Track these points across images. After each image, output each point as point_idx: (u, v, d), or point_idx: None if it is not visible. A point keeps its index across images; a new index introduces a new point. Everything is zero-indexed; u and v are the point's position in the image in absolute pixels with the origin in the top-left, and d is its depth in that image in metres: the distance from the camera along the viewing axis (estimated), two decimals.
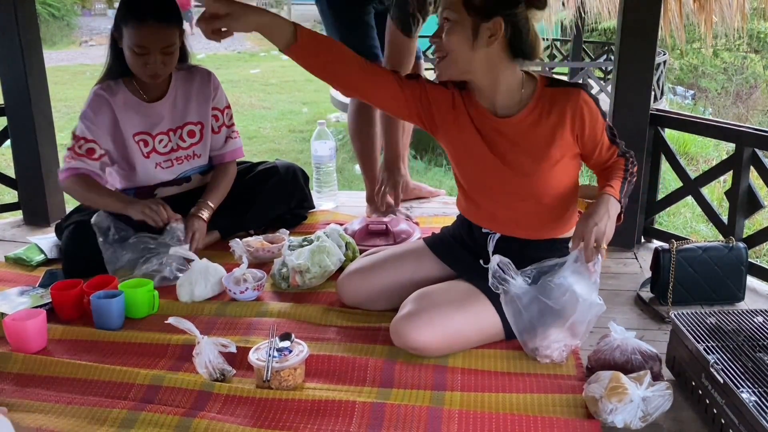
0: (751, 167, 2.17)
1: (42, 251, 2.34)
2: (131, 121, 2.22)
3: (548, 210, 1.76)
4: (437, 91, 1.74)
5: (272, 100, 9.66)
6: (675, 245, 1.94)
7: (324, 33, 2.55)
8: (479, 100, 1.72)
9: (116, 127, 2.20)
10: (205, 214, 2.25)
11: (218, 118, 2.35)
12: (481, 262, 1.78)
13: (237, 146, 2.42)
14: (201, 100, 2.30)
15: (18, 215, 2.83)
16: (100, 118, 2.18)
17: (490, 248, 1.76)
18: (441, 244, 1.91)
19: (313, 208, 2.74)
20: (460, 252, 1.86)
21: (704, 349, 1.44)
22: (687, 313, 1.59)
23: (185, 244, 2.11)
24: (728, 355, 1.43)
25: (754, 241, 2.17)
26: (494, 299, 1.67)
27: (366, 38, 2.55)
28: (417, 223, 2.53)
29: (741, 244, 1.98)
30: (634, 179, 1.75)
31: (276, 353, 1.55)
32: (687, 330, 1.52)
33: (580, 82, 1.79)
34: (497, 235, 1.78)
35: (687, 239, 2.03)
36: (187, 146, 2.30)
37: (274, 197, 2.50)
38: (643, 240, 2.46)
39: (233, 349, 1.59)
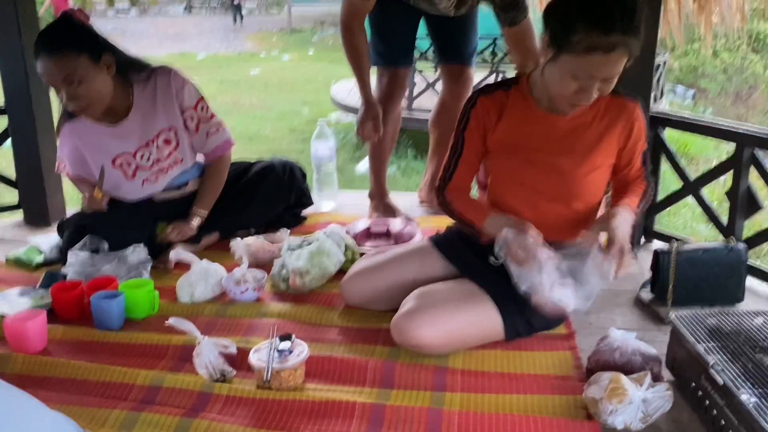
0: (751, 168, 2.17)
1: (42, 252, 2.34)
2: (105, 149, 2.19)
3: (574, 215, 1.77)
4: (485, 111, 1.76)
5: (272, 101, 9.66)
6: (675, 246, 1.94)
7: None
8: (535, 94, 1.72)
9: (92, 160, 2.21)
10: (194, 223, 2.27)
11: (192, 117, 2.25)
12: (492, 259, 1.78)
13: (222, 140, 2.32)
14: (167, 103, 2.21)
15: (18, 215, 2.83)
16: (75, 158, 2.23)
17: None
18: (447, 242, 1.91)
19: (312, 203, 2.73)
20: (465, 251, 1.86)
21: (704, 350, 1.44)
22: (687, 315, 1.59)
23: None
24: (728, 356, 1.42)
25: (754, 241, 2.17)
26: (497, 299, 1.68)
27: (393, 40, 2.56)
28: (417, 224, 2.53)
29: (741, 245, 1.98)
30: (649, 203, 1.81)
31: (276, 354, 1.55)
32: (687, 331, 1.52)
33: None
34: None
35: (687, 240, 2.02)
36: (167, 154, 2.25)
37: (272, 194, 2.48)
38: (643, 240, 2.46)
39: (234, 350, 1.60)
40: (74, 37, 1.99)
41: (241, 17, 20.29)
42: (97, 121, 2.16)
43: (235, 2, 20.27)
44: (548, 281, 1.57)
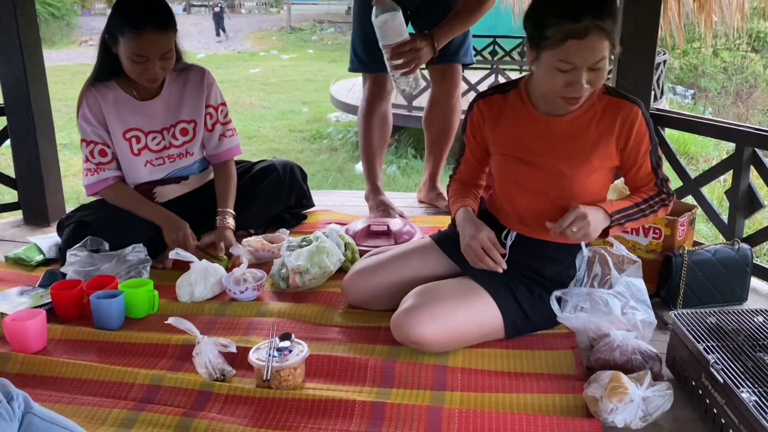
0: (751, 167, 2.17)
1: (41, 251, 2.34)
2: (122, 118, 2.22)
3: None
4: (480, 115, 1.80)
5: (272, 100, 9.67)
6: (686, 250, 1.92)
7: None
8: (533, 98, 1.73)
9: (107, 124, 2.21)
10: (232, 222, 2.30)
11: (212, 115, 2.33)
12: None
13: (233, 144, 2.39)
14: (194, 97, 2.29)
15: (18, 215, 2.83)
16: (96, 116, 2.20)
17: (508, 245, 1.79)
18: (449, 240, 1.91)
19: (313, 205, 2.73)
20: None
21: (704, 348, 1.44)
22: (687, 313, 1.59)
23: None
24: (728, 354, 1.43)
25: (754, 240, 2.17)
26: (497, 296, 1.68)
27: (375, 45, 2.51)
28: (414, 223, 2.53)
29: (746, 246, 1.97)
30: (652, 216, 1.72)
31: (276, 353, 1.55)
32: (687, 330, 1.52)
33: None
34: (515, 234, 1.80)
35: (702, 243, 2.00)
36: (179, 144, 2.29)
37: (272, 195, 2.49)
38: None
39: (233, 349, 1.59)
40: (173, 17, 2.12)
41: (224, 29, 18.84)
42: (126, 91, 2.21)
43: (216, 9, 19.03)
44: (616, 308, 1.59)
